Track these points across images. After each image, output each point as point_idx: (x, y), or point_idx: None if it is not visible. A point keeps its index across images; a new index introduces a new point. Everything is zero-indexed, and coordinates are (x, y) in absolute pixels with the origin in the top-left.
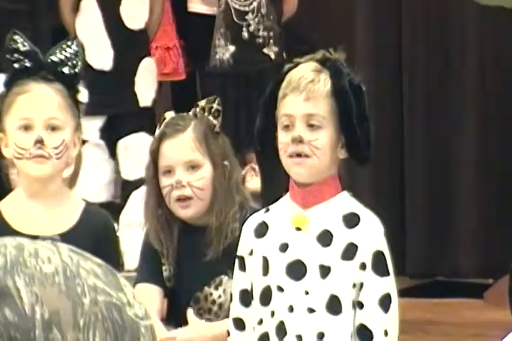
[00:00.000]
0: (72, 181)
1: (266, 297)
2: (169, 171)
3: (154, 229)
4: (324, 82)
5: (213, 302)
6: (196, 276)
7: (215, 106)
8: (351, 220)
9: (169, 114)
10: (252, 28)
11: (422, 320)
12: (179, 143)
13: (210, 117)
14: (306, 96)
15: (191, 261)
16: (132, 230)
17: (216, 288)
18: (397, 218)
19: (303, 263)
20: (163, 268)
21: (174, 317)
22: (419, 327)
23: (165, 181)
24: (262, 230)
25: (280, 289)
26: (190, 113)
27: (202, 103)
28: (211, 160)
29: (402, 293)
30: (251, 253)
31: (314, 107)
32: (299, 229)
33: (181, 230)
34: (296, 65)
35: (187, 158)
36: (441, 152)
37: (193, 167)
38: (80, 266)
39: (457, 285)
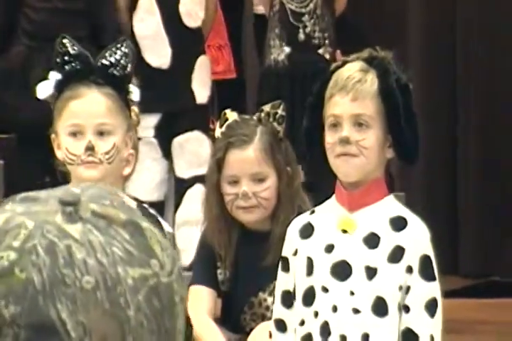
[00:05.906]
0: (126, 177)
1: (309, 297)
2: (234, 181)
3: (213, 231)
4: (371, 82)
5: (267, 308)
6: (252, 281)
7: (279, 111)
8: (398, 223)
9: (231, 115)
10: (308, 30)
11: (475, 320)
12: (246, 155)
13: (275, 124)
14: (353, 96)
15: (248, 265)
16: (188, 228)
17: (270, 294)
18: (450, 217)
19: (348, 263)
20: (219, 271)
21: (229, 321)
22: (472, 327)
23: (229, 189)
24: (307, 231)
25: (324, 289)
26: (255, 117)
27: (267, 108)
28: (276, 169)
29: (455, 293)
30: (295, 253)
31: (361, 107)
32: (345, 231)
33: (240, 235)
34: (343, 63)
35: (254, 171)
36: (494, 153)
37: (259, 178)
38: (114, 252)
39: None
